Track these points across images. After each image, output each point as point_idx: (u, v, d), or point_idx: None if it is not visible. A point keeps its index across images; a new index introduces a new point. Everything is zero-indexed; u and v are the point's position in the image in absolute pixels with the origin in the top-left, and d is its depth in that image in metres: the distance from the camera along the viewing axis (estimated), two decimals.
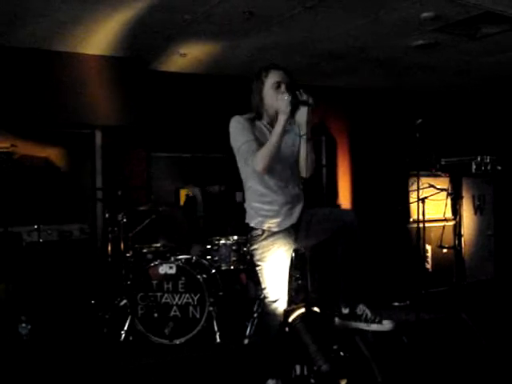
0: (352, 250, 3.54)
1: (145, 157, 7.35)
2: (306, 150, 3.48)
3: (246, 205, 3.66)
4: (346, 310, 3.67)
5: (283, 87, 3.44)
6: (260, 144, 3.36)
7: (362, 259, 3.57)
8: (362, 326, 3.67)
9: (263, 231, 3.52)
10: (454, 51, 6.79)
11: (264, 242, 3.53)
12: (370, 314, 3.68)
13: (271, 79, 3.46)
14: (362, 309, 3.70)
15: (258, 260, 3.59)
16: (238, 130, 3.43)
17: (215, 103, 7.87)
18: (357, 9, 5.31)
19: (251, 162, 3.36)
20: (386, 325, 3.66)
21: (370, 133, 8.80)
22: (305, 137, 3.45)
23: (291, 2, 5.08)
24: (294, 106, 3.29)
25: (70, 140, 6.94)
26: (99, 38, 6.12)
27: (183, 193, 7.40)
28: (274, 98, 3.39)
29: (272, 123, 3.45)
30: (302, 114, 3.40)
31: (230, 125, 3.48)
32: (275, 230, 3.51)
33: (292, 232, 3.57)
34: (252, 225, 3.57)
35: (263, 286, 3.67)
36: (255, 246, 3.57)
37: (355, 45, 6.48)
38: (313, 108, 3.35)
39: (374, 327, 3.61)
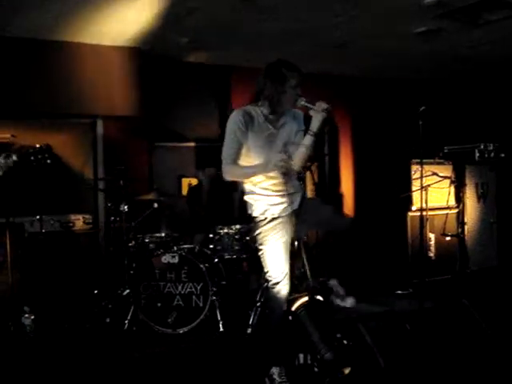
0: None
1: (147, 146, 7.34)
2: (309, 145, 3.65)
3: (247, 197, 3.85)
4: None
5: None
6: (250, 143, 3.63)
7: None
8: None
9: (265, 218, 3.75)
10: (457, 38, 6.75)
11: (266, 227, 3.75)
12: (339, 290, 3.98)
13: (293, 81, 3.63)
14: (332, 283, 3.97)
15: (260, 244, 3.79)
16: (231, 131, 3.63)
17: (218, 92, 7.86)
18: None
19: (223, 167, 3.63)
20: (349, 300, 3.88)
21: (372, 121, 8.76)
22: (312, 134, 3.63)
23: None
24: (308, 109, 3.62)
25: (72, 129, 6.92)
26: (100, 27, 6.10)
27: (185, 182, 7.40)
28: (292, 98, 3.63)
29: (273, 114, 3.70)
30: (318, 117, 3.59)
31: (229, 120, 3.66)
32: (276, 215, 3.75)
33: (293, 218, 3.79)
34: (255, 214, 3.80)
35: (265, 270, 3.79)
36: (258, 231, 3.79)
37: (357, 33, 6.44)
38: (329, 113, 3.58)
39: (338, 302, 3.82)
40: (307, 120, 3.73)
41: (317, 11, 5.66)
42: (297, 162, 3.69)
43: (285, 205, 3.78)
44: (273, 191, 3.77)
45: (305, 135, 3.68)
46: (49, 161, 5.21)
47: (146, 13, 5.65)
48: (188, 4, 5.41)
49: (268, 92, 3.66)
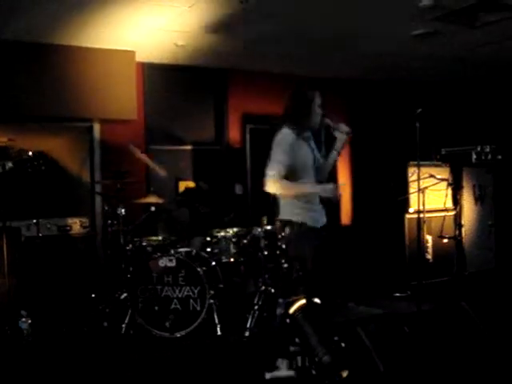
0: None
1: (144, 149, 7.32)
2: (334, 161, 4.34)
3: (282, 202, 4.16)
4: None
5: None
6: (297, 161, 4.01)
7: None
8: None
9: (300, 224, 4.01)
10: (454, 40, 6.75)
11: (299, 235, 4.02)
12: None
13: (318, 100, 4.14)
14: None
15: (293, 251, 4.11)
16: (281, 146, 3.99)
17: (215, 95, 7.85)
18: None
19: (268, 180, 3.98)
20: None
21: (369, 123, 8.76)
22: (337, 151, 4.29)
23: None
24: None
25: (69, 133, 6.91)
26: (96, 31, 6.08)
27: (183, 185, 7.38)
28: (318, 118, 4.14)
29: (303, 132, 4.12)
30: (341, 138, 4.23)
31: (280, 136, 4.03)
32: (310, 224, 4.05)
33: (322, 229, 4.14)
34: (290, 218, 4.05)
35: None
36: (291, 238, 4.07)
37: (355, 35, 6.44)
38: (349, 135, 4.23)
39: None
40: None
41: (312, 12, 5.66)
42: (325, 174, 4.28)
43: (318, 213, 4.17)
44: (312, 204, 4.12)
45: (326, 151, 4.32)
46: (43, 167, 5.22)
47: (142, 16, 5.64)
48: (182, 6, 5.40)
49: (297, 113, 4.08)
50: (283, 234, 4.13)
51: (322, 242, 4.12)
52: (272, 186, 3.98)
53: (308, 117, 4.09)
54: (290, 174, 3.98)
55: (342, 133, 4.19)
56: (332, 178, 8.63)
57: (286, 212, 4.11)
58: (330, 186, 3.99)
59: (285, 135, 4.01)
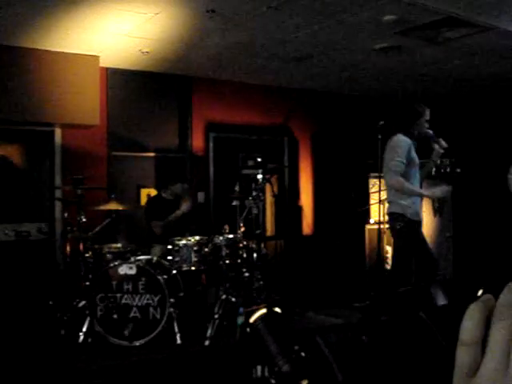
0: None
1: (106, 156, 7.26)
2: (430, 168, 5.40)
3: (391, 199, 5.03)
4: None
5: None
6: (410, 162, 4.91)
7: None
8: None
9: (409, 220, 4.89)
10: (416, 55, 6.87)
11: (407, 228, 4.91)
12: None
13: (427, 116, 5.04)
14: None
15: (401, 240, 5.05)
16: (402, 148, 4.83)
17: (179, 102, 7.83)
18: (320, 11, 5.33)
19: (389, 177, 4.90)
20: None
21: (332, 134, 8.86)
22: (433, 162, 5.35)
23: (255, 1, 5.07)
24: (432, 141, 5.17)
25: (29, 137, 6.81)
26: (59, 35, 6.02)
27: (144, 192, 7.33)
28: (424, 128, 5.04)
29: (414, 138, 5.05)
30: (439, 152, 5.11)
31: (399, 139, 4.88)
32: (415, 219, 4.97)
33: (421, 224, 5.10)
34: (400, 212, 4.93)
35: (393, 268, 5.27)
36: (401, 230, 4.94)
37: (319, 47, 6.51)
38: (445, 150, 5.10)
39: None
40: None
41: (278, 24, 5.70)
42: (423, 177, 5.27)
43: (420, 210, 5.11)
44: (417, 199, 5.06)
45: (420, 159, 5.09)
46: (1, 171, 5.16)
47: (107, 21, 5.60)
48: (149, 13, 5.38)
49: (408, 124, 4.96)
50: (397, 226, 4.93)
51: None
52: (395, 181, 4.82)
53: (416, 128, 4.94)
54: (404, 173, 4.80)
55: (440, 147, 5.00)
56: (293, 186, 8.72)
57: (397, 206, 4.92)
58: (438, 190, 5.16)
59: (401, 139, 4.85)
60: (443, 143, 5.01)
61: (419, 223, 5.01)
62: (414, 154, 4.93)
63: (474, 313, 0.60)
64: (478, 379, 0.58)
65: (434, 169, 5.29)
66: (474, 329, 0.59)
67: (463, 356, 0.60)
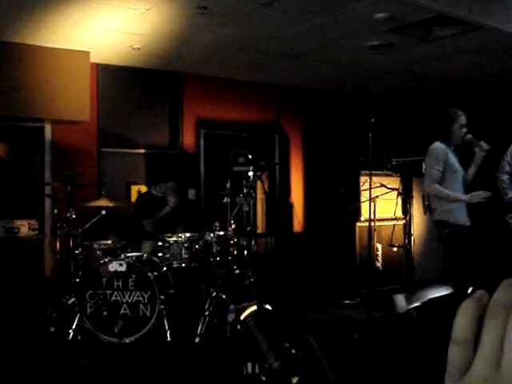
0: None
1: (96, 152, 7.23)
2: (475, 171, 5.03)
3: (434, 206, 5.06)
4: None
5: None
6: (449, 168, 4.92)
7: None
8: None
9: (456, 225, 4.91)
10: (407, 53, 6.88)
11: (454, 234, 4.92)
12: None
13: (461, 121, 4.99)
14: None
15: (451, 247, 5.12)
16: (439, 156, 4.91)
17: (170, 98, 7.80)
18: (312, 8, 5.32)
19: (426, 184, 5.03)
20: None
21: (323, 132, 8.86)
22: (476, 166, 5.01)
23: None
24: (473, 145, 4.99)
25: (18, 133, 6.76)
26: (50, 30, 5.98)
27: (135, 189, 7.30)
28: (460, 134, 4.98)
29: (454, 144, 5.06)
30: (480, 154, 4.92)
31: (434, 147, 4.98)
32: (461, 223, 4.94)
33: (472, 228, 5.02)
34: (444, 219, 4.96)
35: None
36: (449, 236, 4.97)
37: (310, 44, 6.50)
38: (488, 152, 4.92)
39: None
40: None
41: (269, 21, 5.69)
42: (467, 181, 5.07)
43: (466, 214, 5.00)
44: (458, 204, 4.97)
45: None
46: None
47: (98, 17, 5.57)
48: (140, 9, 5.36)
49: (442, 130, 5.01)
50: (444, 233, 4.98)
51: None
52: (429, 189, 4.97)
53: (452, 133, 4.96)
54: (444, 179, 4.87)
55: (481, 150, 4.88)
56: (284, 183, 8.72)
57: (441, 213, 4.97)
58: (476, 194, 4.80)
59: (436, 146, 4.94)
60: (484, 146, 4.89)
61: (467, 228, 4.96)
62: (452, 160, 4.93)
63: (467, 310, 0.59)
64: (469, 378, 0.58)
65: (475, 172, 5.09)
66: (466, 327, 0.58)
67: (455, 354, 0.60)
